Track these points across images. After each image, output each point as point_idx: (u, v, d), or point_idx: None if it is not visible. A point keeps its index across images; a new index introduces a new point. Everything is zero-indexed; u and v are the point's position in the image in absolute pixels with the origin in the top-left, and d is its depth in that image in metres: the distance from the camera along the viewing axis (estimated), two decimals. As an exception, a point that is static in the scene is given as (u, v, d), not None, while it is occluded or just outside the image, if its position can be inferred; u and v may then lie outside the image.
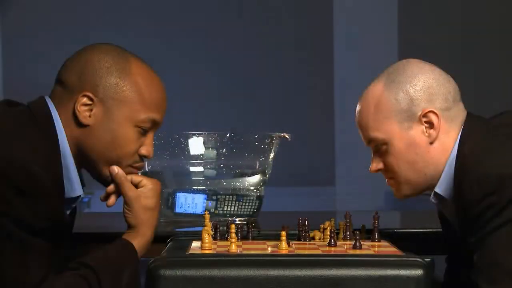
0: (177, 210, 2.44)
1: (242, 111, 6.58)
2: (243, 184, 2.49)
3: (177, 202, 2.44)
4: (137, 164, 1.78)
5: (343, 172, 6.53)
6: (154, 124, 1.78)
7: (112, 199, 1.78)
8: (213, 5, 6.55)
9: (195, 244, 1.80)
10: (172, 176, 2.48)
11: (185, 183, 2.47)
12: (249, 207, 2.47)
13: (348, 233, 1.88)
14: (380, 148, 1.86)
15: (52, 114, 1.71)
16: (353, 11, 6.47)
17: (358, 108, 1.89)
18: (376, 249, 1.75)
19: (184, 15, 6.53)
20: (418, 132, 1.82)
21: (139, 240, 1.76)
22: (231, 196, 2.45)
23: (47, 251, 1.61)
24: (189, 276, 1.57)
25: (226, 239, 1.79)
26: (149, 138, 1.78)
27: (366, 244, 1.81)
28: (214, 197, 2.44)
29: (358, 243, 1.74)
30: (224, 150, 2.48)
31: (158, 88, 1.79)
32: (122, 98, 1.72)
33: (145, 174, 2.46)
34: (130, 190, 1.76)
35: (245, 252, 1.70)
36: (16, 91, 6.01)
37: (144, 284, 1.61)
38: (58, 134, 1.70)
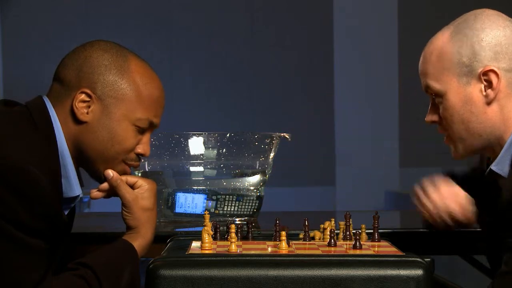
0: (177, 210, 2.44)
1: (242, 111, 6.57)
2: (243, 184, 2.49)
3: (177, 202, 2.44)
4: (132, 162, 1.78)
5: (343, 172, 6.53)
6: (151, 125, 1.78)
7: (98, 193, 1.78)
8: (213, 5, 6.55)
9: (195, 244, 1.80)
10: (172, 176, 2.47)
11: (185, 183, 2.47)
12: (249, 207, 2.47)
13: (348, 233, 1.87)
14: (436, 100, 1.80)
15: (50, 114, 1.71)
16: (353, 11, 6.47)
17: (422, 53, 1.82)
18: (376, 249, 1.75)
19: (184, 14, 6.52)
20: (476, 89, 1.75)
21: (140, 241, 1.76)
22: (231, 196, 2.45)
23: (45, 251, 1.61)
24: (189, 276, 1.57)
25: (226, 239, 1.79)
26: (146, 136, 1.79)
27: (366, 244, 1.81)
28: (214, 197, 2.44)
29: (358, 243, 1.73)
30: (224, 150, 2.47)
31: (156, 86, 1.79)
32: (120, 96, 1.73)
33: (145, 174, 2.46)
34: (127, 192, 1.76)
35: (245, 252, 1.70)
36: (16, 90, 6.01)
37: (144, 284, 1.61)
38: (56, 133, 1.70)
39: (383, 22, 6.48)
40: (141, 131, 1.77)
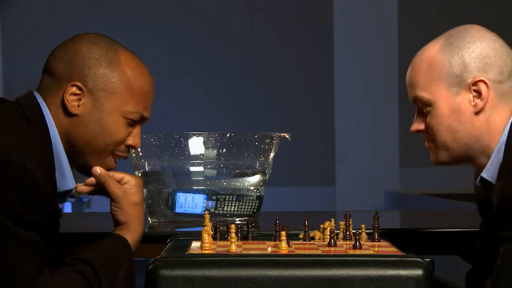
0: (177, 210, 2.44)
1: (242, 111, 6.58)
2: (243, 184, 2.49)
3: (177, 202, 2.44)
4: (121, 153, 1.79)
5: (343, 172, 6.54)
6: (142, 118, 1.79)
7: (84, 188, 1.78)
8: (213, 5, 6.55)
9: (195, 244, 1.80)
10: (172, 176, 2.47)
11: (185, 183, 2.47)
12: (249, 207, 2.47)
13: (348, 233, 1.87)
14: (424, 109, 1.83)
15: (42, 108, 1.72)
16: (353, 11, 6.47)
17: (411, 64, 1.86)
18: (376, 249, 1.75)
19: (184, 14, 6.53)
20: (464, 99, 1.79)
21: (131, 236, 1.76)
22: (231, 196, 2.45)
23: (41, 245, 1.61)
24: (189, 276, 1.57)
25: (226, 239, 1.79)
26: (137, 129, 1.80)
27: (366, 244, 1.81)
28: (214, 197, 2.44)
29: (358, 243, 1.73)
30: (224, 150, 2.47)
31: (147, 79, 1.79)
32: (111, 89, 1.74)
33: (145, 174, 2.46)
34: (116, 188, 1.76)
35: (245, 252, 1.70)
36: (16, 90, 6.01)
37: (144, 284, 1.61)
38: (49, 127, 1.71)
39: (383, 22, 6.48)
40: (132, 123, 1.78)
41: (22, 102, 1.72)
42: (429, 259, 1.61)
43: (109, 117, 1.74)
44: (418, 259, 1.59)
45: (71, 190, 1.75)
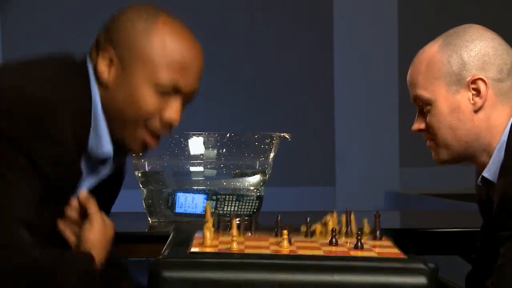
0: (177, 210, 2.44)
1: (242, 111, 6.57)
2: (243, 184, 2.49)
3: (177, 202, 2.44)
4: (157, 129, 1.68)
5: (343, 172, 6.53)
6: (177, 89, 1.69)
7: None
8: (213, 5, 6.55)
9: (197, 240, 1.78)
10: (172, 176, 2.48)
11: (185, 183, 2.47)
12: (249, 207, 2.47)
13: (349, 228, 1.86)
14: (424, 108, 1.85)
15: (88, 68, 1.67)
16: (353, 11, 6.47)
17: (411, 64, 1.88)
18: (378, 249, 1.74)
19: (184, 14, 6.52)
20: (464, 98, 1.80)
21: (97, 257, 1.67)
22: (231, 196, 2.45)
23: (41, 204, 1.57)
24: (191, 278, 1.56)
25: (228, 231, 1.78)
26: (176, 102, 1.68)
27: (368, 243, 1.79)
28: (214, 197, 2.44)
29: (359, 243, 1.72)
30: (224, 150, 2.48)
31: (185, 45, 1.69)
32: (140, 56, 1.65)
33: (145, 173, 2.47)
34: (97, 210, 1.68)
35: (247, 250, 1.69)
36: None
37: (145, 285, 1.61)
38: (92, 87, 1.65)
39: (383, 22, 6.48)
40: (166, 94, 1.67)
41: (74, 58, 1.69)
42: (433, 265, 1.59)
43: (137, 86, 1.64)
44: (423, 266, 1.58)
45: (108, 156, 1.68)
